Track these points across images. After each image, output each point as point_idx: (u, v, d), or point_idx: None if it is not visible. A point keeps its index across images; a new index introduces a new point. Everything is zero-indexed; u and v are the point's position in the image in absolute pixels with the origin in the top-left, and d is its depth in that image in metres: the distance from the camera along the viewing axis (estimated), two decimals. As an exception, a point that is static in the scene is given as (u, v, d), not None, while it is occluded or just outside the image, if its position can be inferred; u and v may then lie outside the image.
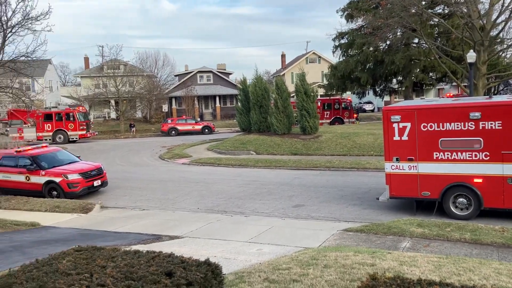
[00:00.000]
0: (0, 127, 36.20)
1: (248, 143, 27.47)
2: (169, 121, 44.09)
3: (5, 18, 14.49)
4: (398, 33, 32.40)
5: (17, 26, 14.73)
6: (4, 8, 14.26)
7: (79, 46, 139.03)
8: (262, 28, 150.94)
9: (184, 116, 46.85)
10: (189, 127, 42.43)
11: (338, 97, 42.29)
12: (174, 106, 56.58)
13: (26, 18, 14.62)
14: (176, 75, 63.78)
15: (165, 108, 54.32)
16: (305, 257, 7.09)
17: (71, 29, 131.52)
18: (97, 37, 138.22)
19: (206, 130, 42.22)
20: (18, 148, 18.30)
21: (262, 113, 29.14)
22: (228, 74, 62.62)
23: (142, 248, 8.76)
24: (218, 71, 60.49)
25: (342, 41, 40.63)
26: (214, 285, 3.07)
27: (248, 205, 13.93)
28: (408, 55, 35.01)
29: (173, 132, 41.88)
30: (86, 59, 63.90)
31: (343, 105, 39.73)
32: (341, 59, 40.98)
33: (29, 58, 16.38)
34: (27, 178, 16.23)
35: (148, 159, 26.67)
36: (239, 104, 32.29)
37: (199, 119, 48.66)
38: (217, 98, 57.44)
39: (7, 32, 14.72)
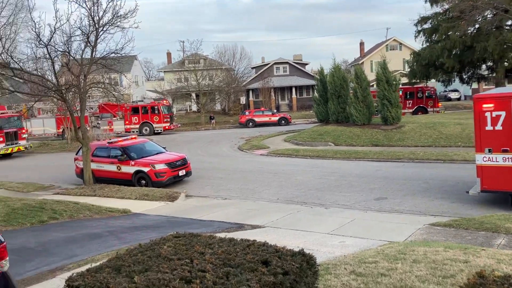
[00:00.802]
0: (92, 120, 38.93)
1: (326, 134, 27.15)
2: (247, 113, 44.81)
3: (97, 17, 15.46)
4: (489, 16, 30.05)
5: (108, 24, 15.68)
6: (96, 9, 15.23)
7: (162, 42, 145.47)
8: (339, 16, 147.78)
9: (261, 108, 47.35)
10: (266, 119, 42.82)
11: (421, 85, 40.31)
12: (251, 98, 57.38)
13: (115, 16, 15.53)
14: (253, 68, 64.56)
15: (242, 100, 55.27)
16: (391, 251, 6.88)
17: (155, 26, 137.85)
18: (178, 32, 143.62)
19: (283, 122, 42.35)
20: (110, 139, 19.59)
21: (341, 103, 28.61)
22: (305, 64, 62.18)
23: (226, 236, 9.06)
24: (294, 62, 60.27)
25: (425, 26, 38.51)
26: (309, 276, 3.08)
27: (328, 196, 13.80)
28: (502, 40, 32.32)
29: (250, 123, 42.52)
30: (169, 55, 66.74)
31: (426, 94, 37.84)
32: (424, 45, 38.90)
33: (118, 55, 17.38)
34: (118, 168, 17.33)
35: (228, 150, 27.34)
36: (316, 94, 31.98)
37: (275, 111, 48.93)
38: (293, 89, 57.32)
39: (99, 30, 15.72)
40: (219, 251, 3.08)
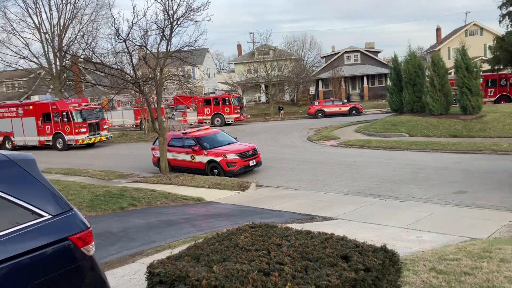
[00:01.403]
0: (168, 111, 40.44)
1: (400, 125, 26.12)
2: (316, 103, 44.28)
3: (172, 11, 15.93)
4: None
5: (182, 18, 16.12)
6: (170, 3, 15.69)
7: (232, 35, 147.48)
8: (413, 2, 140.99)
9: (331, 98, 46.57)
10: (336, 109, 42.06)
11: (505, 72, 37.46)
12: (320, 88, 56.58)
13: (188, 10, 15.93)
14: (322, 57, 63.56)
15: (312, 90, 54.67)
16: (475, 248, 6.47)
17: (225, 18, 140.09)
18: (248, 24, 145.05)
19: (354, 112, 41.36)
20: (184, 130, 20.24)
21: (416, 92, 27.36)
22: (377, 52, 60.13)
23: (297, 227, 9.00)
24: (366, 50, 58.48)
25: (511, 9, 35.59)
26: (392, 273, 2.94)
27: (402, 189, 13.28)
28: None
29: (320, 114, 41.98)
30: (239, 46, 67.56)
31: (511, 81, 35.13)
32: (509, 29, 36.02)
33: (192, 48, 17.84)
34: (192, 157, 17.86)
35: (297, 141, 27.20)
36: (389, 83, 30.85)
37: (346, 101, 47.89)
38: (365, 78, 55.71)
39: (174, 24, 16.19)
40: (296, 243, 3.03)
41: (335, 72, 52.27)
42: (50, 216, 3.61)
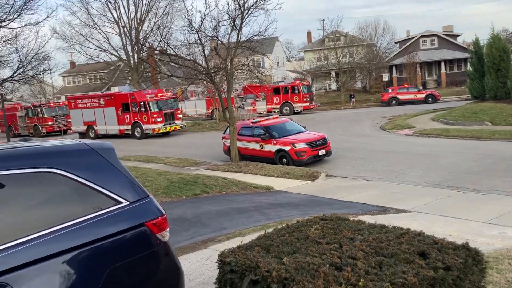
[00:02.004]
0: (238, 101, 41.00)
1: (481, 112, 24.49)
2: (389, 90, 42.73)
3: (243, 1, 16.01)
4: None
5: (252, 7, 16.16)
6: (241, -8, 15.76)
7: (302, 22, 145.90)
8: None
9: (405, 85, 44.68)
10: (411, 96, 40.32)
11: None
12: (394, 74, 54.46)
13: (259, -1, 15.93)
14: (396, 42, 61.05)
15: (385, 77, 52.80)
16: None
17: (295, 6, 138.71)
18: (318, 11, 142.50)
19: (430, 99, 39.41)
20: (254, 119, 20.43)
21: (500, 78, 25.49)
22: (456, 36, 56.65)
23: (370, 219, 8.75)
24: (443, 34, 55.30)
25: None
26: (476, 273, 2.75)
27: (484, 181, 12.45)
28: None
29: (393, 101, 40.48)
30: (309, 34, 66.73)
31: None
32: None
33: (262, 37, 17.87)
34: (261, 146, 18.00)
35: (369, 130, 26.45)
36: (470, 68, 29.00)
37: (421, 87, 45.74)
38: (442, 64, 52.78)
39: (244, 14, 16.29)
40: (369, 238, 2.92)
41: (410, 58, 50.00)
42: (128, 203, 3.77)
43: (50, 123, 38.47)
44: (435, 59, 52.93)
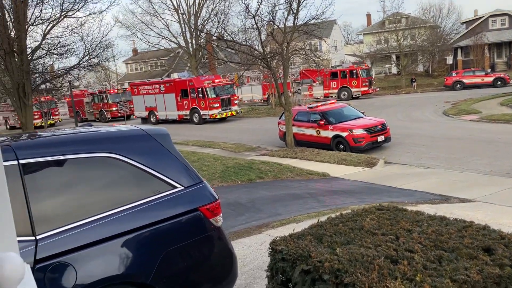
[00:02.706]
0: (294, 86, 40.65)
1: (557, 97, 22.73)
2: (454, 73, 40.59)
3: (300, -16, 15.72)
4: None
5: (309, -10, 15.81)
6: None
7: (361, 4, 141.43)
8: None
9: (471, 68, 42.24)
10: (478, 80, 38.07)
11: None
12: (459, 57, 51.59)
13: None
14: (462, 23, 57.70)
15: (449, 60, 50.18)
16: None
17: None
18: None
19: (499, 83, 37.02)
20: (310, 104, 20.18)
21: None
22: (530, 14, 52.59)
23: (430, 208, 8.40)
24: (516, 12, 51.52)
25: None
26: (549, 273, 2.54)
27: (559, 171, 11.58)
28: None
29: (458, 85, 38.44)
30: (368, 16, 64.70)
31: None
32: None
33: (319, 20, 17.51)
34: (318, 132, 17.77)
35: (431, 115, 25.35)
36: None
37: (489, 70, 43.01)
38: (514, 45, 49.32)
39: (301, -3, 16.01)
40: (428, 230, 2.77)
41: (478, 39, 47.08)
42: (183, 188, 3.84)
43: (114, 108, 40.15)
44: (506, 39, 49.50)
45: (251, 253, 6.17)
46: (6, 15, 16.74)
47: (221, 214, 4.05)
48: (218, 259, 3.99)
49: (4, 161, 3.18)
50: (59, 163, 3.42)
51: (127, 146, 3.72)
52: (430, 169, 13.55)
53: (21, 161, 3.19)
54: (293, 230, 3.15)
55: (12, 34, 16.87)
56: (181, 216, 3.76)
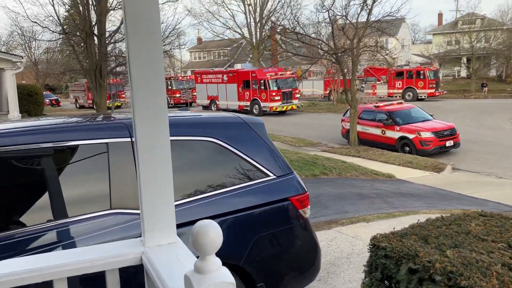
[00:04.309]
0: (357, 83, 39.83)
1: None
2: (531, 80, 38.21)
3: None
4: None
5: (387, -13, 15.44)
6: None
7: (430, 3, 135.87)
8: None
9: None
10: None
11: None
12: (538, 63, 48.39)
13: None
14: (544, 27, 53.97)
15: (526, 65, 47.24)
16: None
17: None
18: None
19: None
20: (376, 103, 19.76)
21: None
22: None
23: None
24: None
25: None
26: None
27: None
28: None
29: (534, 93, 36.18)
30: (440, 15, 62.08)
31: None
32: None
33: (393, 17, 17.07)
34: (383, 132, 17.39)
35: (503, 123, 24.07)
36: None
37: None
38: None
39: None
40: (545, 242, 2.68)
41: None
42: (275, 177, 3.92)
43: (177, 95, 41.28)
44: None
45: (322, 248, 6.09)
46: (90, 0, 17.62)
47: (309, 206, 4.09)
48: (305, 250, 4.05)
49: (120, 138, 3.39)
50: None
51: (226, 132, 3.84)
52: (503, 179, 12.96)
53: (133, 139, 3.39)
54: (393, 228, 3.14)
55: (94, 18, 17.73)
56: (273, 204, 3.84)
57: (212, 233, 1.25)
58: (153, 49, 1.62)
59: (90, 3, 17.75)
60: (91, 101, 37.47)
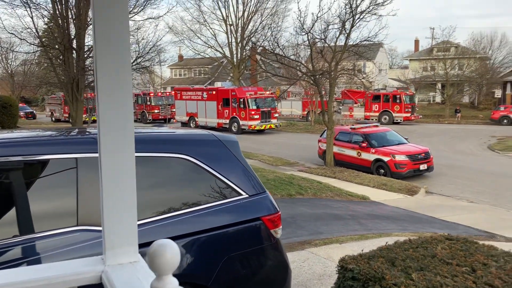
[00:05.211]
0: (335, 105, 40.38)
1: None
2: (502, 108, 39.43)
3: (355, 5, 15.77)
4: None
5: (365, 12, 15.85)
6: (355, -4, 15.55)
7: (408, 29, 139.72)
8: None
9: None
10: (527, 117, 36.85)
11: None
12: (508, 91, 50.01)
13: (373, 4, 15.57)
14: (515, 57, 55.99)
15: (497, 93, 48.78)
16: None
17: (402, 12, 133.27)
18: (427, 19, 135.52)
19: (549, 122, 35.73)
20: (353, 125, 20.05)
21: None
22: None
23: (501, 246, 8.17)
24: None
25: None
26: None
27: None
28: None
29: (505, 121, 37.29)
30: (416, 42, 63.91)
31: None
32: None
33: (370, 42, 17.46)
34: (358, 154, 17.61)
35: (475, 148, 24.68)
36: None
37: (540, 108, 41.56)
38: None
39: (356, 18, 16.03)
40: (507, 266, 2.71)
41: (530, 75, 45.65)
42: (247, 196, 3.91)
43: (156, 111, 41.02)
44: (559, 78, 47.75)
45: (294, 269, 6.14)
46: (69, 13, 17.50)
47: (281, 226, 4.08)
48: (275, 271, 4.02)
49: (89, 152, 3.34)
50: (137, 161, 3.55)
51: (199, 150, 3.82)
52: (474, 204, 13.19)
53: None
54: (362, 250, 3.15)
55: (73, 31, 17.60)
56: (244, 224, 3.82)
57: (169, 253, 1.23)
58: (121, 66, 1.62)
59: (70, 16, 17.64)
60: (67, 115, 36.95)
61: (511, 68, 52.12)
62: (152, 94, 43.11)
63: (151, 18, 19.11)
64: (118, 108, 1.63)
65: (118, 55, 1.63)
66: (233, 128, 32.25)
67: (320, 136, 20.02)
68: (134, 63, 19.43)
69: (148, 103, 42.00)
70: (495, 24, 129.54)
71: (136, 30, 18.85)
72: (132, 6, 18.25)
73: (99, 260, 1.73)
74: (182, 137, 4.10)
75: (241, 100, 31.59)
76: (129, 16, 18.72)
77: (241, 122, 31.73)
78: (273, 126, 32.44)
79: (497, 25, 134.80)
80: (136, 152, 3.55)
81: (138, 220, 3.38)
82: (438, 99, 53.15)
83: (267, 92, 34.92)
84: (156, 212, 3.48)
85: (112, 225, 1.68)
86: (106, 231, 1.68)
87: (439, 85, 49.24)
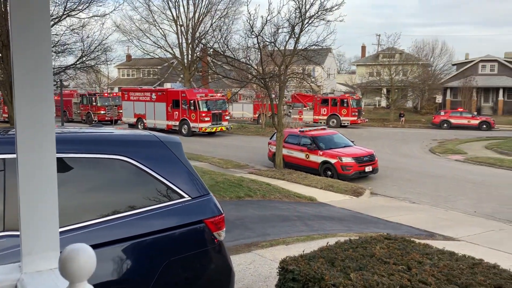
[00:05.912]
0: (285, 108, 40.87)
1: (540, 145, 23.32)
2: (442, 113, 41.45)
3: (304, 10, 16.02)
4: None
5: (314, 17, 16.14)
6: (304, 1, 15.79)
7: (356, 35, 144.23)
8: None
9: (459, 109, 43.19)
10: (464, 121, 38.93)
11: None
12: (448, 97, 52.77)
13: (321, 9, 15.89)
14: (453, 64, 59.12)
15: (438, 99, 51.29)
16: None
17: (350, 19, 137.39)
18: (374, 26, 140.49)
19: (484, 126, 37.89)
20: (301, 128, 20.34)
21: None
22: (518, 63, 54.18)
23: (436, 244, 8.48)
24: (505, 60, 53.09)
25: None
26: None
27: (541, 218, 11.80)
28: None
29: (445, 125, 39.23)
30: (363, 48, 65.95)
31: None
32: None
33: (319, 47, 17.80)
34: (307, 156, 17.87)
35: (417, 151, 25.75)
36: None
37: (475, 113, 44.09)
38: (501, 91, 50.66)
39: (305, 23, 16.28)
40: (440, 264, 2.80)
41: (467, 82, 48.35)
42: (190, 198, 3.81)
43: (102, 112, 39.81)
44: (494, 85, 50.88)
45: (240, 272, 6.11)
46: (8, 9, 16.59)
47: (224, 229, 4.03)
48: (218, 274, 3.96)
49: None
50: (70, 162, 3.38)
51: (140, 151, 3.69)
52: (416, 204, 13.71)
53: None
54: (303, 251, 3.15)
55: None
56: (186, 227, 3.73)
57: (82, 258, 1.13)
58: (40, 60, 1.51)
59: (8, 11, 16.74)
60: (6, 115, 35.04)
61: (450, 75, 55.00)
62: (98, 95, 41.80)
63: (96, 16, 18.48)
64: (36, 105, 1.51)
65: (37, 49, 1.52)
66: (183, 130, 31.85)
67: (270, 138, 20.16)
68: (78, 62, 18.74)
69: (94, 103, 40.69)
70: (437, 33, 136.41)
71: (81, 28, 18.18)
72: (77, 3, 17.59)
73: (16, 267, 1.60)
74: (121, 137, 3.94)
75: (192, 102, 31.26)
76: (73, 13, 17.95)
77: (191, 124, 31.39)
78: (224, 128, 32.33)
79: (439, 33, 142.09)
80: (70, 152, 3.40)
81: (72, 224, 3.23)
82: (384, 103, 55.15)
83: (218, 94, 34.77)
84: (93, 215, 3.32)
85: (31, 230, 1.56)
86: (24, 235, 1.56)
87: (384, 90, 51.09)
